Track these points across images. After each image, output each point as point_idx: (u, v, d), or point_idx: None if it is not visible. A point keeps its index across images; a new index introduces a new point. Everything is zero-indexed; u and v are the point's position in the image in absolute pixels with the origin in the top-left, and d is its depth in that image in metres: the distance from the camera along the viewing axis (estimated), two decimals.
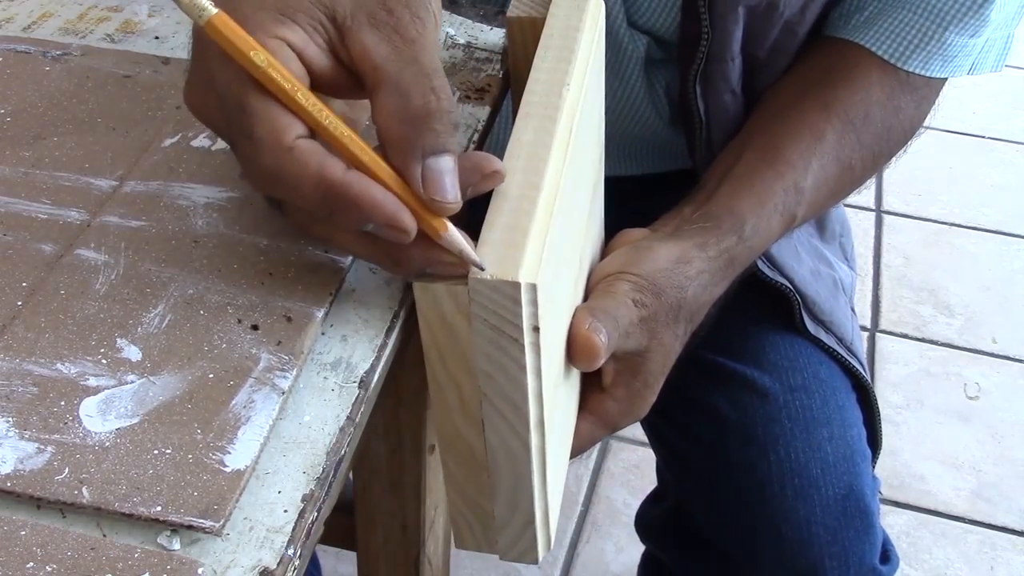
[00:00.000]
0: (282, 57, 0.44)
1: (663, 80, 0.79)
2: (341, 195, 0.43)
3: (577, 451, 0.62)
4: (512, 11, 0.59)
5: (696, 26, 0.71)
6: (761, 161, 0.69)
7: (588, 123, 0.57)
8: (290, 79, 0.44)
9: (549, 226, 0.47)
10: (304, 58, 0.45)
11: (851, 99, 0.72)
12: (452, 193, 0.44)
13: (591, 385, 0.61)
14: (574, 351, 0.54)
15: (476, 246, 0.45)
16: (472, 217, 0.49)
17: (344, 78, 0.46)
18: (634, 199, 0.87)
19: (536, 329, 0.45)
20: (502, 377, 0.47)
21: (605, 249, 0.64)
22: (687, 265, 0.62)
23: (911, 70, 0.73)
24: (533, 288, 0.44)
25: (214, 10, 0.44)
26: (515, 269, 0.44)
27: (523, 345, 0.45)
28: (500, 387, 0.47)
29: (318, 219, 0.46)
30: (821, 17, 0.76)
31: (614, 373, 0.60)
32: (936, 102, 0.78)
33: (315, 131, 0.45)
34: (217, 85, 0.45)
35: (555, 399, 0.52)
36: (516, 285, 0.43)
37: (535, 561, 0.56)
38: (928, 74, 0.73)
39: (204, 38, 0.45)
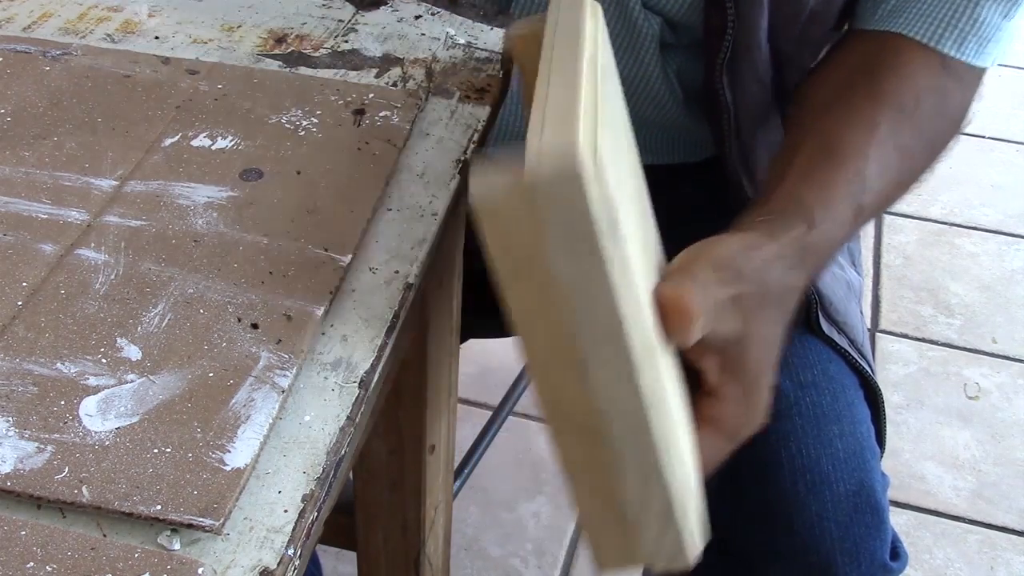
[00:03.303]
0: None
1: (675, 64, 0.79)
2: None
3: (705, 468, 0.58)
4: (513, 31, 0.58)
5: (721, 15, 0.71)
6: (819, 153, 0.67)
7: (612, 95, 0.54)
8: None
9: (599, 119, 0.43)
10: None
11: (899, 87, 0.71)
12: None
13: (699, 395, 0.57)
14: (665, 313, 0.50)
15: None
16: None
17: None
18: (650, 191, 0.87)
19: (613, 224, 0.41)
20: (585, 289, 0.42)
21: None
22: (759, 250, 0.58)
23: (946, 51, 0.72)
24: (596, 172, 0.40)
25: None
26: (573, 149, 0.39)
27: (598, 240, 0.40)
28: (588, 305, 0.42)
29: None
30: (845, 9, 0.75)
31: (718, 370, 0.56)
32: (978, 94, 0.76)
33: None
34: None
35: (657, 360, 0.47)
36: (576, 168, 0.39)
37: (687, 564, 0.50)
38: (963, 57, 0.73)
39: None
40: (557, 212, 0.40)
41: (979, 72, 0.75)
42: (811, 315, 0.80)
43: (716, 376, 0.56)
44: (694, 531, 0.50)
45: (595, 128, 0.42)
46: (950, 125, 0.75)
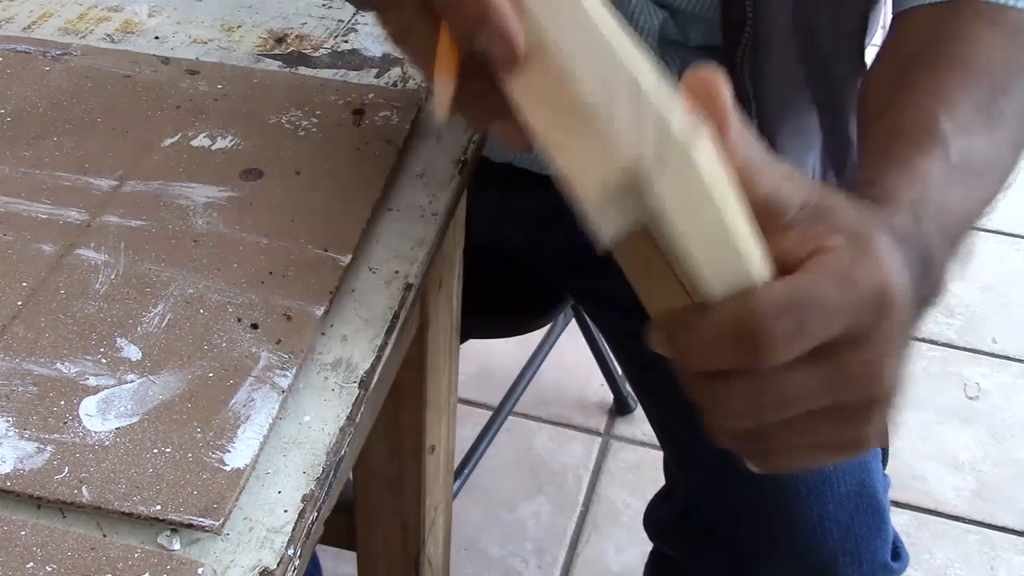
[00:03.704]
0: None
1: (678, 62, 0.78)
2: None
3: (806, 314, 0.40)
4: None
5: (740, 9, 0.69)
6: (909, 141, 0.55)
7: None
8: None
9: None
10: None
11: (963, 51, 0.60)
12: None
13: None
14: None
15: None
16: None
17: None
18: None
19: None
20: None
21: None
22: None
23: (1011, 4, 0.62)
24: None
25: None
26: None
27: None
28: None
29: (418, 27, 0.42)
30: None
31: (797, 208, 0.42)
32: None
33: None
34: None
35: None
36: None
37: (681, 146, 0.37)
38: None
39: None
40: None
41: None
42: None
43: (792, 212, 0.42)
44: (673, 109, 0.38)
45: None
46: None
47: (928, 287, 0.47)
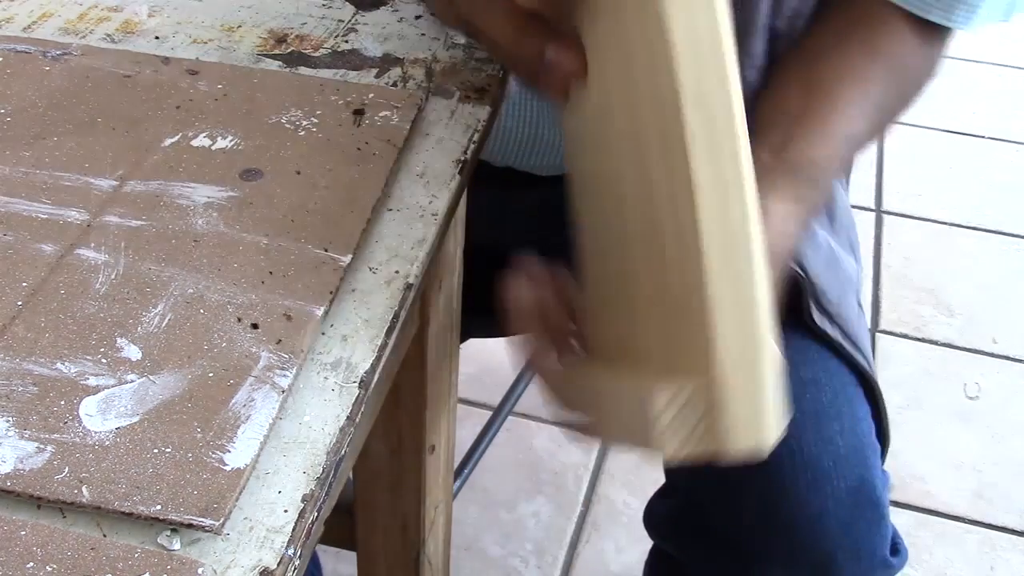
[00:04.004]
0: None
1: None
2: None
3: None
4: None
5: None
6: (821, 106, 0.68)
7: None
8: None
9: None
10: None
11: (892, 48, 0.71)
12: None
13: None
14: None
15: None
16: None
17: None
18: None
19: None
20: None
21: None
22: (791, 218, 0.61)
23: (934, 20, 0.71)
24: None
25: None
26: None
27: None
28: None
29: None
30: None
31: None
32: (940, 104, 0.78)
33: None
34: None
35: None
36: None
37: (769, 445, 0.41)
38: (952, 24, 0.72)
39: None
40: None
41: (949, 34, 0.75)
42: (803, 304, 0.80)
43: None
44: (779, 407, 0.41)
45: None
46: (917, 93, 0.76)
47: (815, 212, 0.66)
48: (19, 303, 0.49)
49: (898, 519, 0.82)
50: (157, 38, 0.67)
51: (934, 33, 0.73)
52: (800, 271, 0.78)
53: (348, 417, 0.46)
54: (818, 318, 0.80)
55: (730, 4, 0.69)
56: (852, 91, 0.69)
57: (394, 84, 0.65)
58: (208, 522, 0.40)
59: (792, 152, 0.65)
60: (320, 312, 0.49)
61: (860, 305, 0.88)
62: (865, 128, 0.70)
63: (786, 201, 0.62)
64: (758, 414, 0.40)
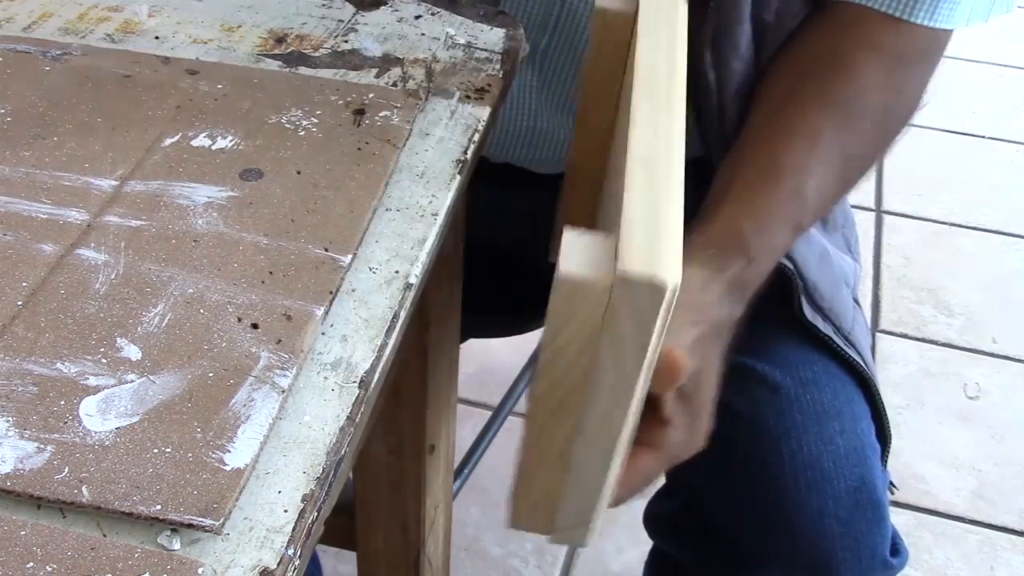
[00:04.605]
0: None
1: None
2: None
3: (639, 486, 0.61)
4: (600, 3, 0.58)
5: None
6: (758, 175, 0.68)
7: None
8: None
9: (679, 228, 0.45)
10: None
11: (846, 89, 0.71)
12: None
13: (649, 419, 0.60)
14: (660, 372, 0.53)
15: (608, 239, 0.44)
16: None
17: None
18: None
19: (662, 332, 0.45)
20: (613, 385, 0.46)
21: None
22: (713, 285, 0.62)
23: (918, 21, 0.71)
24: (675, 290, 0.42)
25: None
26: (661, 269, 0.42)
27: (648, 350, 0.44)
28: (608, 393, 0.46)
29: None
30: None
31: (672, 401, 0.59)
32: (941, 59, 0.75)
33: None
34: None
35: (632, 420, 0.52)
36: (663, 287, 0.42)
37: (584, 544, 0.58)
38: (936, 24, 0.72)
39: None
40: (625, 320, 0.43)
41: (944, 37, 0.74)
42: (794, 300, 0.80)
43: (669, 407, 0.59)
44: (597, 528, 0.56)
45: (679, 241, 0.44)
46: (900, 120, 0.75)
47: (747, 281, 0.65)
48: (19, 303, 0.49)
49: (898, 519, 0.82)
50: (157, 38, 0.67)
51: (909, 57, 0.73)
52: (791, 266, 0.78)
53: (348, 417, 0.46)
54: (809, 313, 0.80)
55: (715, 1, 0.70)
56: (797, 150, 0.69)
57: (394, 84, 0.65)
58: (208, 522, 0.40)
59: (716, 230, 0.66)
60: (320, 312, 0.49)
61: (858, 303, 0.88)
62: (821, 183, 0.69)
63: (705, 269, 0.62)
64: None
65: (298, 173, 0.57)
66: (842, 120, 0.71)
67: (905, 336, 1.72)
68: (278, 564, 0.40)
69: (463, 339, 0.88)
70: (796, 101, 0.71)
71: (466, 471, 1.30)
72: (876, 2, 0.72)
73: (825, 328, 0.81)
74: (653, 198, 0.45)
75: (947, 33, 0.74)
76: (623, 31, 0.57)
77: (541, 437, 0.51)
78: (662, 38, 0.53)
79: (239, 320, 0.49)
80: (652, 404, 0.59)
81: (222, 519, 0.41)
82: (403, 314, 0.51)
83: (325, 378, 0.48)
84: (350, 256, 0.52)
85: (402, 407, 0.74)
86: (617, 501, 0.61)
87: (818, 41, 0.74)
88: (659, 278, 0.41)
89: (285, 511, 0.42)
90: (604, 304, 0.43)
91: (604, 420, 0.48)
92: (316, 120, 0.61)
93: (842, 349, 0.81)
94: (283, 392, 0.46)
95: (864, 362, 0.83)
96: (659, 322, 0.44)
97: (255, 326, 0.48)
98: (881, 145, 0.74)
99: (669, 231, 0.44)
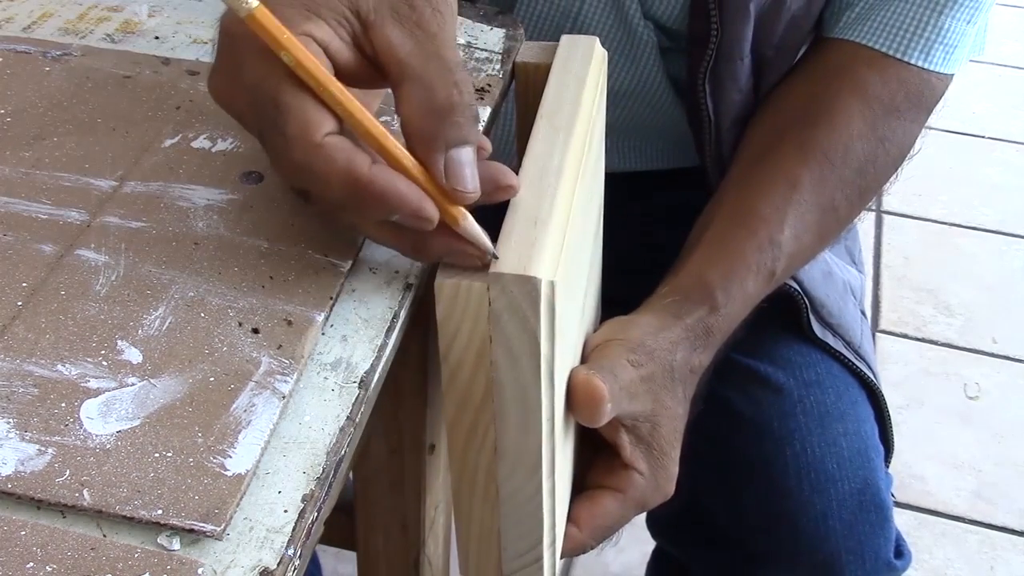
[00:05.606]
0: (311, 52, 0.45)
1: (675, 67, 0.78)
2: (368, 190, 0.45)
3: (605, 532, 0.61)
4: (520, 58, 0.62)
5: (705, 25, 0.70)
6: (732, 223, 0.68)
7: (593, 176, 0.58)
8: (324, 73, 0.45)
9: (564, 242, 0.48)
10: (329, 52, 0.46)
11: (829, 137, 0.71)
12: (472, 183, 0.46)
13: (612, 464, 0.60)
14: (577, 398, 0.54)
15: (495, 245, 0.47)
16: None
17: (366, 71, 0.48)
18: (638, 198, 0.87)
19: (552, 335, 0.46)
20: (516, 397, 0.48)
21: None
22: (668, 331, 0.61)
23: (912, 61, 0.72)
24: (551, 285, 0.45)
25: (255, 3, 0.45)
26: (533, 265, 0.45)
27: (541, 356, 0.46)
28: (513, 405, 0.48)
29: (345, 209, 0.47)
30: (822, 15, 0.75)
31: (630, 445, 0.59)
32: (939, 105, 0.76)
33: (346, 123, 0.46)
34: (248, 78, 0.46)
35: (561, 436, 0.52)
36: (536, 281, 0.45)
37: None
38: (930, 66, 0.72)
39: (236, 31, 0.46)
40: (508, 322, 0.46)
41: (941, 83, 0.74)
42: (802, 319, 0.80)
43: (629, 451, 0.59)
44: (553, 569, 0.57)
45: (562, 242, 0.47)
46: (885, 171, 0.74)
47: (711, 330, 0.64)
48: (19, 303, 0.49)
49: (898, 519, 0.82)
50: (157, 38, 0.67)
51: (897, 104, 0.72)
52: (796, 287, 0.78)
53: (348, 417, 0.46)
54: (819, 331, 0.81)
55: (716, 33, 0.71)
56: (774, 198, 0.69)
57: None
58: (209, 527, 0.40)
59: (683, 278, 0.66)
60: (321, 318, 0.49)
61: (864, 314, 0.88)
62: (798, 232, 0.69)
63: (661, 314, 0.62)
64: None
65: None
66: (822, 169, 0.70)
67: (905, 336, 1.72)
68: (278, 564, 0.40)
69: None
70: (777, 149, 0.71)
71: None
72: (871, 39, 0.72)
73: (836, 344, 0.81)
74: (534, 208, 0.48)
75: (940, 80, 0.74)
76: (541, 81, 0.59)
77: (464, 467, 0.52)
78: (570, 79, 0.57)
79: (240, 324, 0.49)
80: (611, 449, 0.59)
81: (223, 525, 0.41)
82: (403, 314, 0.51)
83: (325, 378, 0.48)
84: (350, 262, 0.52)
85: (402, 407, 0.74)
86: (583, 548, 0.61)
87: (804, 86, 0.74)
88: (530, 273, 0.44)
89: (285, 511, 0.42)
90: (486, 308, 0.46)
91: (519, 437, 0.49)
92: None
93: (854, 364, 0.81)
94: (284, 398, 0.45)
95: (873, 374, 0.83)
96: (543, 322, 0.45)
97: (256, 331, 0.48)
98: (864, 194, 0.74)
99: (547, 235, 0.47)
